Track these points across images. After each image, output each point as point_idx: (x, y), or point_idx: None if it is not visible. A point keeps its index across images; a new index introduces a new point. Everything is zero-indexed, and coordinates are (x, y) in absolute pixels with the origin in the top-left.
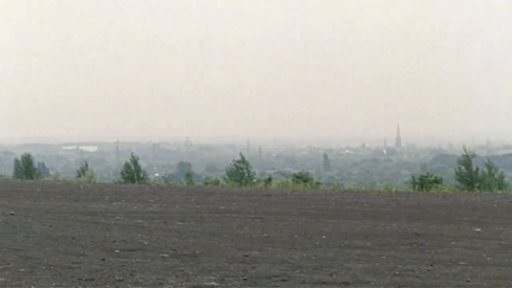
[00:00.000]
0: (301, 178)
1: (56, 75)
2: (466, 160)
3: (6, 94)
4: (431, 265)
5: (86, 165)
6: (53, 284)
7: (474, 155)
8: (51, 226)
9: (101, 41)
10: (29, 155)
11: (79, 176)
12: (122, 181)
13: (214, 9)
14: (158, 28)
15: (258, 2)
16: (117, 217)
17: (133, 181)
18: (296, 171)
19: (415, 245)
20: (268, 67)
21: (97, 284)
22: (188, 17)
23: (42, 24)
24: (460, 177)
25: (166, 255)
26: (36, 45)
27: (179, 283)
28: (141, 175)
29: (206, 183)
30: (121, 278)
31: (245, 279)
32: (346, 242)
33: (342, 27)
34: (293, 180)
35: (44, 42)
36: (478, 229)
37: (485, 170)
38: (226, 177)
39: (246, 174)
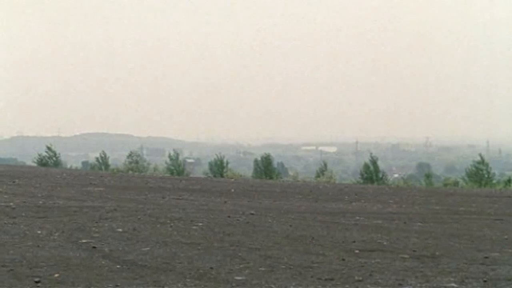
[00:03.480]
0: None
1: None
2: None
3: (246, 97)
4: None
5: (325, 165)
6: (293, 284)
7: None
8: (290, 226)
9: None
10: (268, 155)
11: (318, 176)
12: (361, 181)
13: None
14: None
15: None
16: (357, 218)
17: (372, 182)
18: None
19: None
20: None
21: (337, 284)
22: None
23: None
24: None
25: (405, 256)
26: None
27: (419, 284)
28: (380, 176)
29: (445, 184)
30: (360, 278)
31: (485, 281)
32: None
33: None
34: None
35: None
36: None
37: None
38: (465, 178)
39: (486, 175)
